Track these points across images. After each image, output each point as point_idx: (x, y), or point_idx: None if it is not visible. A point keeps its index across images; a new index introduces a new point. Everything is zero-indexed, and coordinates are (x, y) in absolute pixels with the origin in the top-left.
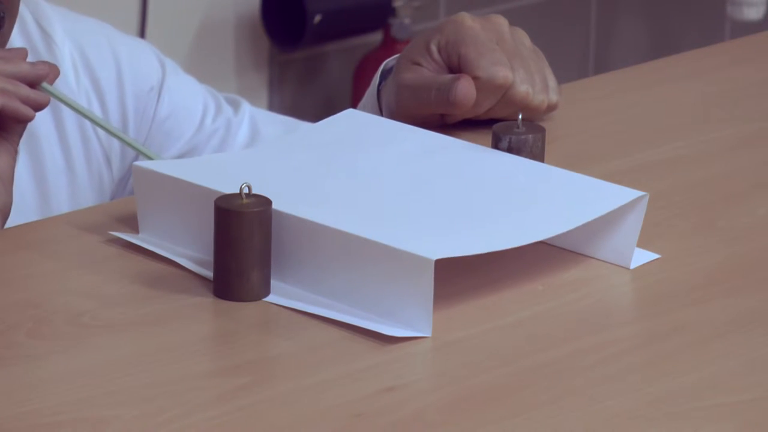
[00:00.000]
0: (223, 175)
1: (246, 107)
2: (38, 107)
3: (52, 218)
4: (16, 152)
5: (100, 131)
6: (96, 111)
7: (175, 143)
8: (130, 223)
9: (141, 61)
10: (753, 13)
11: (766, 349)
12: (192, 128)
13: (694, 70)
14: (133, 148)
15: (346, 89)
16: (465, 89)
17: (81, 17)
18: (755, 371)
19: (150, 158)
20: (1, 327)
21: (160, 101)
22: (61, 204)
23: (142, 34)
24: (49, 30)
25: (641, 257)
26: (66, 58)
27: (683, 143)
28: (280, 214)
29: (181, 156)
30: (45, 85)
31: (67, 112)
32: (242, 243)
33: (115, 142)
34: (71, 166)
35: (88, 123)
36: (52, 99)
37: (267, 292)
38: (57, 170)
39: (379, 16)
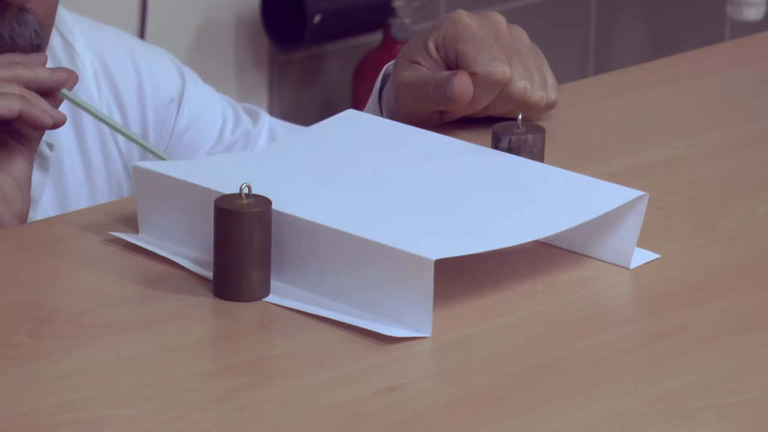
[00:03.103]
0: (223, 175)
1: (265, 118)
2: (53, 126)
3: (52, 218)
4: (33, 158)
5: (121, 143)
6: (117, 121)
7: (194, 154)
8: (130, 223)
9: (161, 71)
10: (753, 13)
11: (766, 349)
12: (211, 140)
13: (694, 70)
14: (152, 152)
15: (346, 89)
16: (462, 84)
17: (102, 27)
18: (755, 371)
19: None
20: (1, 327)
21: (180, 112)
22: None
23: (142, 34)
24: (71, 40)
25: (641, 257)
26: (88, 68)
27: (683, 143)
28: (280, 214)
29: None
30: (64, 91)
31: (87, 125)
32: (242, 243)
33: (135, 153)
34: (92, 180)
35: (108, 135)
36: (72, 111)
37: (267, 292)
38: (78, 184)
39: (379, 16)
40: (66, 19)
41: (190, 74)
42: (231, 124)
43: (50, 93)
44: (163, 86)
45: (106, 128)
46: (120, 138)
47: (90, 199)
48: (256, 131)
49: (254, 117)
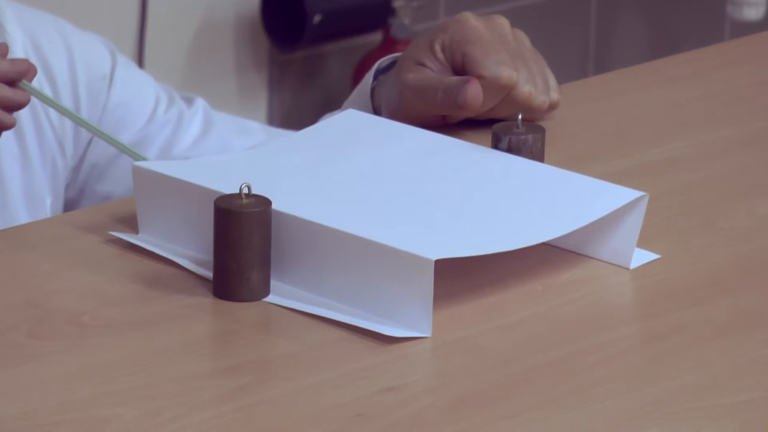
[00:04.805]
0: (223, 175)
1: (200, 103)
2: (19, 107)
3: (52, 218)
4: None
5: (53, 117)
6: (81, 116)
7: (125, 131)
8: (130, 223)
9: (92, 50)
10: (753, 13)
11: (766, 349)
12: (143, 118)
13: (694, 70)
14: (123, 149)
15: (346, 89)
16: (474, 92)
17: (33, 9)
18: (755, 371)
19: (136, 157)
20: (1, 327)
21: (112, 89)
22: (15, 191)
23: (142, 34)
24: (0, 19)
25: (641, 257)
26: (18, 47)
27: (683, 143)
28: (280, 214)
29: (132, 144)
30: (24, 82)
31: None
32: (242, 243)
33: (68, 129)
34: (25, 153)
35: (40, 110)
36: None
37: (267, 292)
38: (11, 157)
39: (379, 16)
40: None
41: (122, 56)
42: (164, 104)
43: (10, 85)
44: (95, 64)
45: (37, 103)
46: (52, 112)
47: (23, 173)
48: (190, 113)
49: (189, 102)
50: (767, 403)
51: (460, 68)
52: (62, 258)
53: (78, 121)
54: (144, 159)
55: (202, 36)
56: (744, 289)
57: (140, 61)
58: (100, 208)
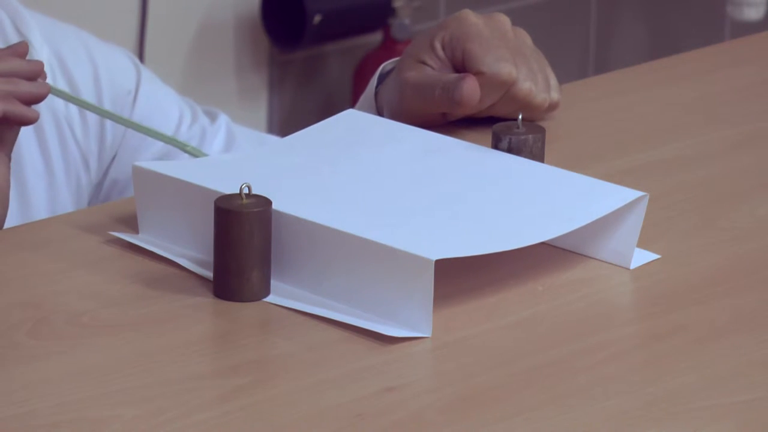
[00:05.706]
0: (223, 175)
1: (223, 118)
2: (40, 98)
3: (52, 218)
4: (9, 162)
5: (78, 133)
6: (73, 113)
7: (149, 147)
8: (130, 223)
9: (117, 65)
10: (753, 13)
11: (766, 350)
12: (167, 133)
13: (694, 70)
14: (159, 137)
15: (346, 89)
16: (470, 89)
17: (59, 23)
18: (755, 371)
19: (188, 152)
20: (1, 327)
21: (136, 104)
22: (40, 207)
23: (142, 34)
24: (27, 34)
25: (641, 257)
26: (43, 61)
27: (683, 143)
28: (280, 214)
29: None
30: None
31: (44, 113)
32: (242, 243)
33: (93, 146)
34: (50, 169)
35: (65, 125)
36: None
37: (267, 292)
38: (36, 173)
39: (379, 16)
40: (22, 14)
41: (146, 71)
42: (188, 120)
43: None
44: (120, 79)
45: (62, 118)
46: (76, 128)
47: (48, 189)
48: (213, 129)
49: (212, 117)
50: (767, 403)
51: (461, 65)
52: (62, 258)
53: (110, 117)
54: (186, 147)
55: (202, 36)
56: (744, 289)
57: (140, 62)
58: (100, 208)
